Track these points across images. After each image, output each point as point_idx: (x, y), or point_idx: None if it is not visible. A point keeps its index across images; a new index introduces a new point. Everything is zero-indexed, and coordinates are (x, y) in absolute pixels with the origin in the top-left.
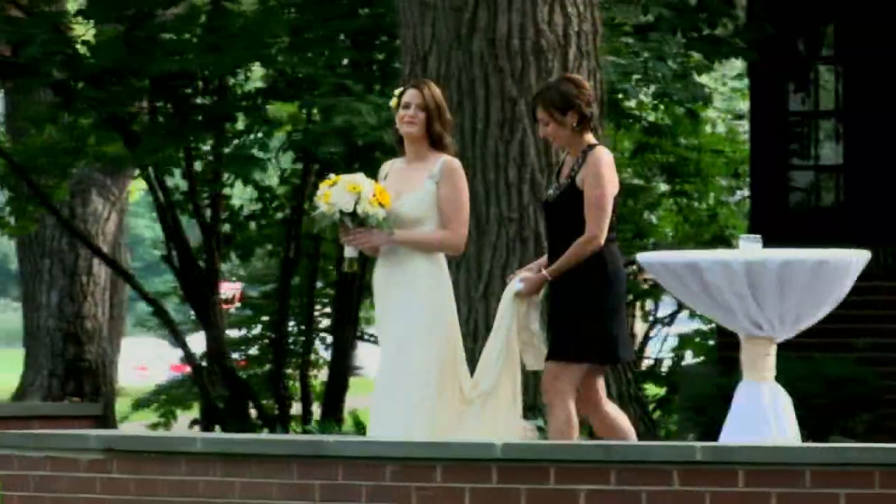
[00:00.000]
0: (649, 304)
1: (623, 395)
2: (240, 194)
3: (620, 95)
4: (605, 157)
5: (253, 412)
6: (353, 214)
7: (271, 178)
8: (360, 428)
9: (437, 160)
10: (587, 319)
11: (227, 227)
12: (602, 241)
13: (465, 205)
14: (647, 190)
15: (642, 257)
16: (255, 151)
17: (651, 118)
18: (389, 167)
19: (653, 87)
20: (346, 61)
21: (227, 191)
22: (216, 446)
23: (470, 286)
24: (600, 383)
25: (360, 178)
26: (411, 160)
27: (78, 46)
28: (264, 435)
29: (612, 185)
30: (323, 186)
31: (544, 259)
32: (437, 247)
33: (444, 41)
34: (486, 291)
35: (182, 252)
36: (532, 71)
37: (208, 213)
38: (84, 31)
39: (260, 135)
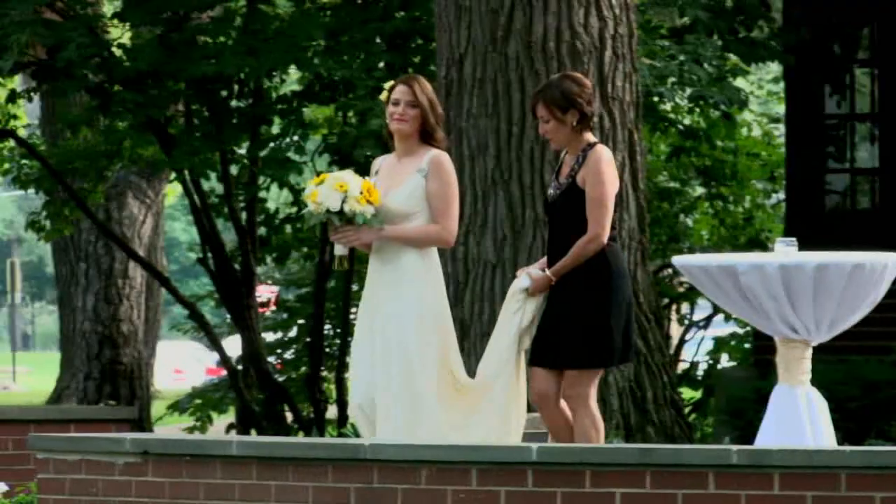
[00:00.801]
0: (685, 308)
1: (659, 398)
2: (275, 197)
3: (656, 98)
4: (605, 156)
5: (289, 416)
6: (341, 213)
7: (307, 181)
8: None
9: (425, 154)
10: (601, 324)
11: (262, 231)
12: (605, 240)
13: (454, 198)
14: (682, 193)
15: (678, 260)
16: (291, 154)
17: (687, 121)
18: (381, 163)
19: (689, 91)
20: (382, 64)
21: (262, 194)
22: (252, 450)
23: (506, 289)
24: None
25: (347, 176)
26: (401, 155)
27: (114, 49)
28: (300, 438)
29: (613, 184)
30: (310, 185)
31: (544, 260)
32: (427, 241)
33: (479, 44)
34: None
35: (218, 255)
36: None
37: (244, 216)
38: (120, 33)
39: (296, 138)
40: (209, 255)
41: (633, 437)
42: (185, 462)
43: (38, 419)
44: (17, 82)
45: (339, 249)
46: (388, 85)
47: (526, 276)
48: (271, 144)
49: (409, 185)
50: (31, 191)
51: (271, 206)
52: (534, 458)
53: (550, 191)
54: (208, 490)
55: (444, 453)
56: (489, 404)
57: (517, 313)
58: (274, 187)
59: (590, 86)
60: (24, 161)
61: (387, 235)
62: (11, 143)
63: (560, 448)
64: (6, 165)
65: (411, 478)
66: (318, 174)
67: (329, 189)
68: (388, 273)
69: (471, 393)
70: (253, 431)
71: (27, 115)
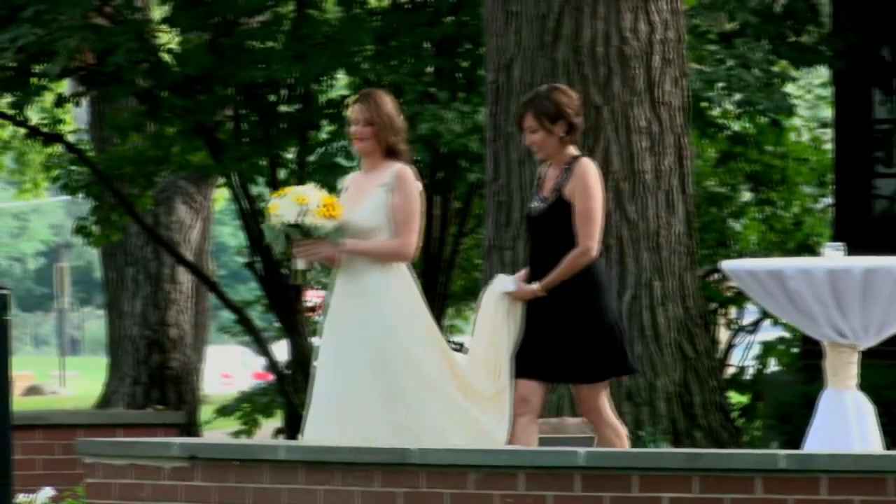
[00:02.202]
0: (733, 312)
1: (707, 403)
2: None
3: (705, 104)
4: (592, 168)
5: None
6: (300, 226)
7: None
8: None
9: (389, 169)
10: (596, 338)
11: None
12: (595, 254)
13: (416, 213)
14: (731, 198)
15: (726, 265)
16: (339, 159)
17: (736, 127)
18: (349, 179)
19: (737, 96)
20: (430, 69)
21: None
22: (300, 454)
23: None
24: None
25: (307, 190)
26: (366, 171)
27: (163, 54)
28: (345, 443)
29: (601, 197)
30: (272, 198)
31: (523, 272)
32: (386, 256)
33: (528, 49)
34: None
35: (266, 260)
36: (616, 79)
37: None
38: (169, 39)
39: (344, 142)
40: (257, 259)
41: (681, 442)
42: (232, 466)
43: (87, 424)
44: (66, 87)
45: (300, 264)
46: (350, 101)
47: (511, 281)
48: (319, 149)
49: (373, 201)
50: (80, 196)
51: None
52: (581, 463)
53: (533, 204)
54: (256, 495)
55: (492, 458)
56: (495, 412)
57: (506, 320)
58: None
59: (576, 97)
60: (72, 166)
61: (346, 250)
62: (60, 148)
63: (608, 453)
64: (55, 171)
65: (459, 482)
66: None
67: (289, 202)
68: (350, 287)
69: (471, 391)
70: (300, 436)
71: (75, 120)
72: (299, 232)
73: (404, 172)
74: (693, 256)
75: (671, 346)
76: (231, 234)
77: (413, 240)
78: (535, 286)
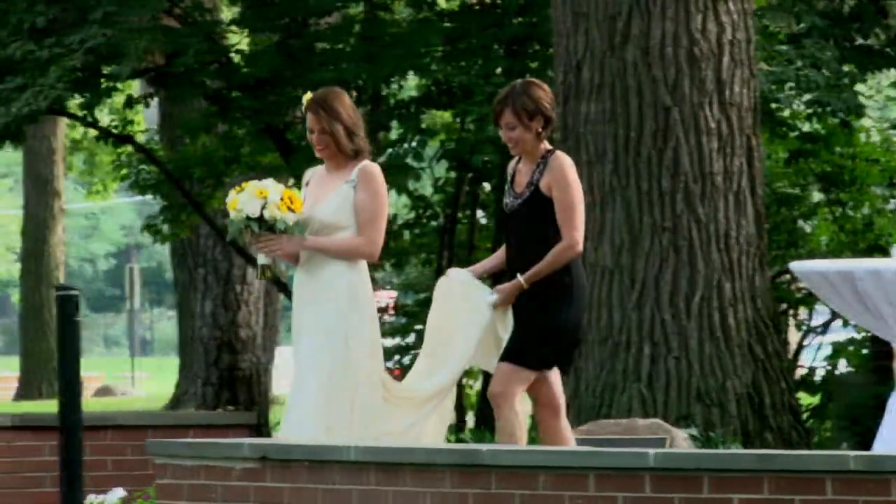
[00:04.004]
0: (803, 313)
1: (777, 404)
2: (394, 203)
3: (774, 105)
4: (568, 161)
5: None
6: (261, 219)
7: (425, 187)
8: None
9: (356, 166)
10: (548, 331)
11: None
12: (580, 248)
13: (381, 211)
14: (801, 199)
15: (796, 266)
16: (409, 160)
17: (805, 127)
18: (311, 174)
19: (806, 96)
20: (499, 70)
21: None
22: (370, 455)
23: (623, 295)
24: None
25: (268, 184)
26: (331, 169)
27: (232, 56)
28: (419, 444)
29: (580, 189)
30: (232, 193)
31: (481, 265)
32: (350, 253)
33: (597, 50)
34: (639, 301)
35: None
36: (686, 80)
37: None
38: (238, 40)
39: (414, 143)
40: None
41: (752, 443)
42: (303, 467)
43: (157, 425)
44: (136, 88)
45: (263, 259)
46: (305, 98)
47: (494, 293)
48: (389, 150)
49: (338, 197)
50: (150, 197)
51: (390, 211)
52: (651, 464)
53: (507, 200)
54: (326, 495)
55: (562, 458)
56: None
57: (478, 327)
58: (392, 193)
59: (551, 92)
60: (142, 166)
61: (308, 246)
62: (130, 148)
63: (678, 454)
64: (124, 170)
65: (529, 483)
66: (437, 180)
67: (249, 196)
68: (311, 285)
69: (406, 401)
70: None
71: (146, 121)
72: (261, 226)
73: (371, 169)
74: (763, 257)
75: (741, 348)
76: None
77: (378, 238)
78: (519, 280)
